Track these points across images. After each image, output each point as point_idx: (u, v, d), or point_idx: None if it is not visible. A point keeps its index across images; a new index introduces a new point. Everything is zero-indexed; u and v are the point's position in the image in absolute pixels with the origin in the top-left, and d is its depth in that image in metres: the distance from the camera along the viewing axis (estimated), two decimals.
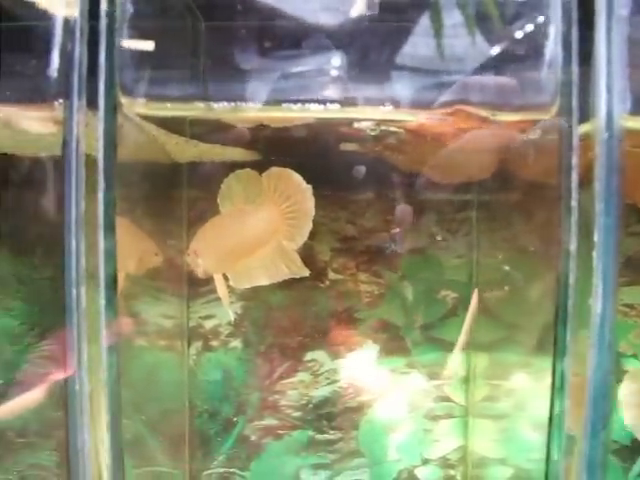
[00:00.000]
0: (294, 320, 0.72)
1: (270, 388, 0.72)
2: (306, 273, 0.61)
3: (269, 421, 0.72)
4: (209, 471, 0.73)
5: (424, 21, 0.46)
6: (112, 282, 0.47)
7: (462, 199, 0.67)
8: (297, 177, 0.59)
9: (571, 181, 0.48)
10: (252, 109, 0.54)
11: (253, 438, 0.73)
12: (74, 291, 0.45)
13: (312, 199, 0.59)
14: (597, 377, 0.46)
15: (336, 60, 0.50)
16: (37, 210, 0.55)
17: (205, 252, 0.58)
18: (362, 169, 0.63)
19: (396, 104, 0.48)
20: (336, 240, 0.71)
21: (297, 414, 0.72)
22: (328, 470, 0.73)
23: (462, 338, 0.71)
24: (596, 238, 0.47)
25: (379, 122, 0.53)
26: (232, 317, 0.64)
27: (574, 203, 0.48)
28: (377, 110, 0.48)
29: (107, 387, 0.47)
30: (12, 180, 0.62)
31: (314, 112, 0.50)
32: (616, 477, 0.73)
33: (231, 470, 0.73)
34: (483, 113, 0.49)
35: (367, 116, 0.51)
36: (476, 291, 0.71)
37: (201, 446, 0.73)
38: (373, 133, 0.54)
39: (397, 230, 0.70)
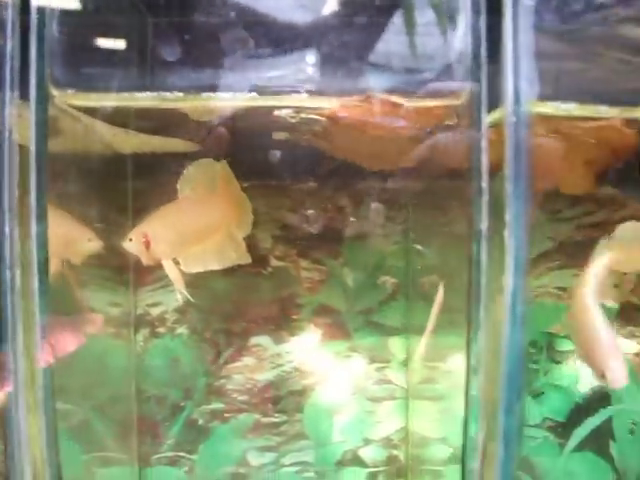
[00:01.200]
0: (238, 306, 0.74)
1: (216, 373, 0.74)
2: (248, 260, 0.63)
3: (216, 405, 0.74)
4: (158, 455, 0.75)
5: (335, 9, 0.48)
6: (44, 267, 0.49)
7: (397, 187, 0.69)
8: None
9: (481, 164, 0.50)
10: (181, 99, 0.56)
11: (200, 422, 0.74)
12: (8, 274, 0.47)
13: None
14: (511, 352, 0.48)
15: (255, 50, 0.51)
16: None
17: (157, 236, 0.60)
18: (290, 156, 0.66)
19: (311, 92, 0.49)
20: (277, 228, 0.73)
21: (243, 398, 0.74)
22: (274, 452, 0.75)
23: (430, 325, 0.73)
24: (507, 218, 0.48)
25: (297, 110, 0.54)
26: (189, 298, 0.66)
27: (484, 184, 0.50)
28: (293, 98, 0.50)
29: (41, 372, 0.49)
30: None
31: (231, 100, 0.51)
32: (552, 453, 0.75)
33: (180, 454, 0.74)
34: (396, 100, 0.50)
35: (285, 104, 0.53)
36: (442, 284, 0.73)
37: (150, 431, 0.74)
38: (293, 120, 0.56)
39: (337, 217, 0.72)
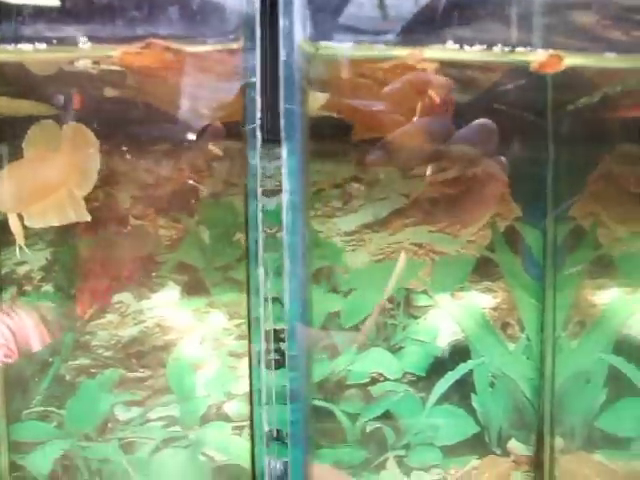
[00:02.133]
0: (100, 264, 0.76)
1: (82, 329, 0.76)
2: (87, 218, 0.66)
3: (82, 361, 0.76)
4: (28, 410, 0.77)
5: None
6: None
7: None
8: (89, 133, 0.66)
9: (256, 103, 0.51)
10: None
11: (68, 377, 0.77)
12: None
13: (98, 152, 0.64)
14: (292, 307, 0.50)
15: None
16: None
17: (3, 191, 0.63)
18: (138, 113, 0.68)
19: (95, 40, 0.51)
20: (136, 188, 0.75)
21: (108, 354, 0.77)
22: (140, 406, 0.78)
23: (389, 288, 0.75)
24: (283, 154, 0.50)
25: (94, 60, 0.56)
26: (27, 252, 0.69)
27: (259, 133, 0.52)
28: (86, 48, 0.51)
29: None
30: None
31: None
32: (415, 407, 0.77)
33: (49, 409, 0.77)
34: (175, 45, 0.52)
35: (81, 54, 0.55)
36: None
37: (19, 386, 0.77)
38: (94, 72, 0.58)
39: (192, 176, 0.74)
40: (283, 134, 0.47)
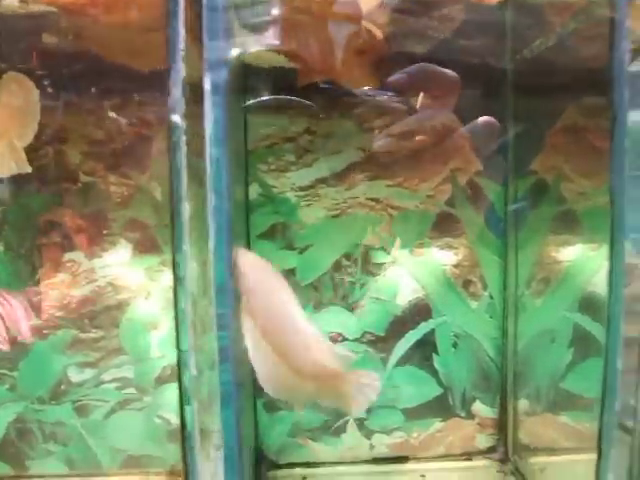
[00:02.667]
0: (50, 222, 0.74)
1: (33, 289, 0.75)
2: (28, 170, 0.65)
3: (34, 322, 0.75)
4: None
5: None
6: None
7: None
8: (28, 82, 0.64)
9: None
10: None
11: (19, 339, 0.75)
12: None
13: (38, 102, 0.63)
14: (219, 265, 0.48)
15: None
16: None
17: None
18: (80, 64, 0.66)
19: None
20: (85, 144, 0.73)
21: (60, 314, 0.75)
22: (94, 368, 0.76)
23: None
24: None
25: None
26: None
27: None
28: None
29: None
30: None
31: None
32: (375, 367, 0.75)
33: (1, 371, 0.75)
34: None
35: None
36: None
37: None
38: (24, 12, 0.56)
39: (142, 132, 0.72)
40: (208, 88, 0.45)
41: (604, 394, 0.50)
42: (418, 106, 0.69)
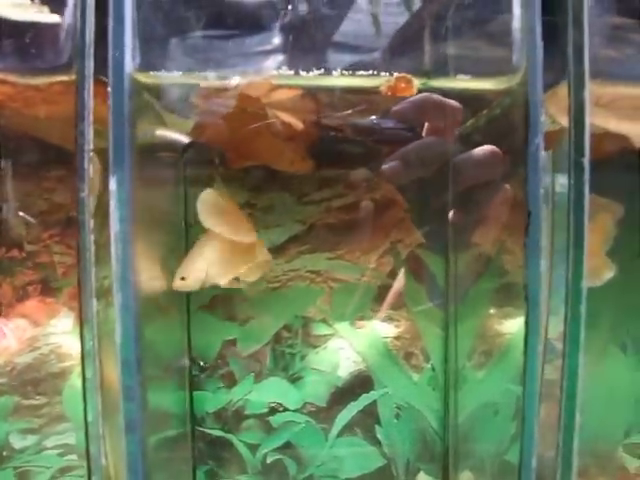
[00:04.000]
0: None
1: None
2: None
3: None
4: None
5: None
6: None
7: None
8: None
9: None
10: None
11: None
12: None
13: None
14: (125, 337, 0.49)
15: None
16: None
17: None
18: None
19: None
20: (30, 215, 0.74)
21: (3, 380, 0.76)
22: (36, 434, 0.77)
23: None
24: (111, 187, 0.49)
25: None
26: None
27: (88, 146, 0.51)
28: None
29: None
30: None
31: None
32: (317, 438, 0.75)
33: None
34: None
35: None
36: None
37: None
38: None
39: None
40: (111, 164, 0.46)
41: None
42: (424, 134, 0.69)
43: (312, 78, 0.50)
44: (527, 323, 0.51)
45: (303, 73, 0.49)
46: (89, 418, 0.51)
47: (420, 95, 0.61)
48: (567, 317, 0.52)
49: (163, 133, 0.62)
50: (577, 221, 0.51)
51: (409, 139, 0.67)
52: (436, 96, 0.62)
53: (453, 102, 0.60)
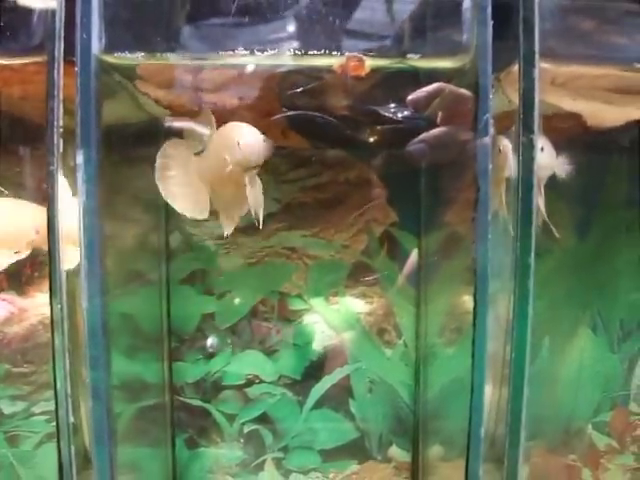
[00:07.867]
0: None
1: None
2: None
3: None
4: None
5: None
6: None
7: None
8: None
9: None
10: None
11: None
12: None
13: None
14: (91, 309, 0.51)
15: None
16: None
17: None
18: None
19: None
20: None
21: None
22: (25, 401, 0.80)
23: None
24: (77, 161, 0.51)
25: None
26: None
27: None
28: None
29: None
30: None
31: None
32: (292, 410, 0.78)
33: None
34: None
35: None
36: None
37: None
38: None
39: None
40: (78, 141, 0.49)
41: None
42: (438, 122, 0.70)
43: (265, 57, 0.52)
44: (475, 296, 0.53)
45: (258, 53, 0.52)
46: (58, 385, 0.54)
47: (435, 84, 0.63)
48: (515, 292, 0.54)
49: (140, 111, 0.64)
50: (525, 198, 0.53)
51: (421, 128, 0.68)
52: (450, 86, 0.63)
53: (465, 91, 0.61)
